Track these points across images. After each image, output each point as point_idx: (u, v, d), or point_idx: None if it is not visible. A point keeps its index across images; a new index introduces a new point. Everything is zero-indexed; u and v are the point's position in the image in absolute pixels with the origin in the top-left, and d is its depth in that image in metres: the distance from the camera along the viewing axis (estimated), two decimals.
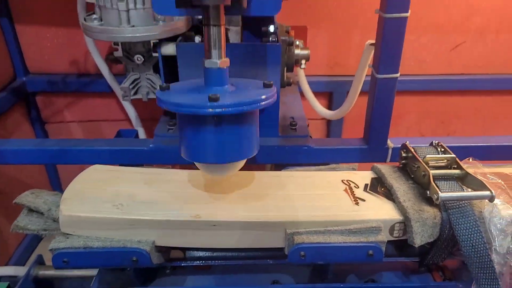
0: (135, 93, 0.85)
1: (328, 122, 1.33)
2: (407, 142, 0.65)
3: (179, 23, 0.75)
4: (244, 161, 0.54)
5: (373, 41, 0.76)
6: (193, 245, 0.57)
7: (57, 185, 1.39)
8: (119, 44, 0.77)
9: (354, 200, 0.59)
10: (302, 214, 0.56)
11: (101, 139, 0.86)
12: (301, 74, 1.05)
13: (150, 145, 0.81)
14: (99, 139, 0.85)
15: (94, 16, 0.73)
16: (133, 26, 0.71)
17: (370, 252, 0.54)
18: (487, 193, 0.53)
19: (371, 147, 0.82)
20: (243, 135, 0.50)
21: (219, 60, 0.47)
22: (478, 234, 0.53)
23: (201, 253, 0.60)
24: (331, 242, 0.54)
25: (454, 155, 0.60)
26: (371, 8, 1.12)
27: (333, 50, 1.20)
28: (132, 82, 0.84)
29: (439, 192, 0.53)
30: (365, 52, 0.79)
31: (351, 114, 0.95)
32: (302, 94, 1.04)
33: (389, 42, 0.70)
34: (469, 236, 0.53)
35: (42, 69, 1.24)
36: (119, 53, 0.78)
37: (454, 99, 1.29)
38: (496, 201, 0.55)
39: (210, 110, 0.44)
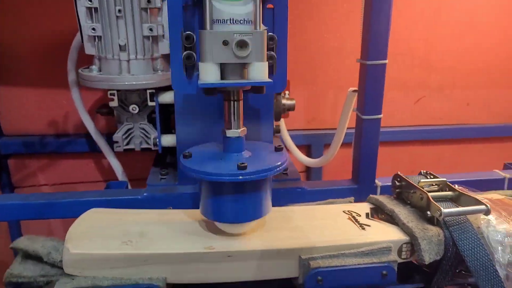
0: (128, 143, 0.86)
1: (307, 172, 1.37)
2: (399, 172, 0.70)
3: None
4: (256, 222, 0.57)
5: (355, 88, 0.84)
6: (207, 280, 0.56)
7: None
8: (115, 94, 0.80)
9: (360, 226, 0.62)
10: (314, 240, 0.57)
11: (92, 190, 0.84)
12: (282, 125, 1.11)
13: (144, 194, 0.81)
14: (89, 191, 0.83)
15: (94, 67, 0.77)
16: (133, 75, 0.75)
17: (384, 272, 0.55)
18: (483, 207, 0.58)
19: (361, 187, 0.86)
20: (263, 196, 0.55)
21: (239, 130, 0.53)
22: (481, 247, 0.56)
23: None
24: (346, 264, 0.55)
25: (445, 179, 0.65)
26: (343, 69, 1.26)
27: (310, 106, 1.29)
28: (125, 132, 0.85)
29: (442, 208, 0.57)
30: (348, 98, 0.86)
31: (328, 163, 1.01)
32: None
33: (371, 86, 0.78)
34: (472, 250, 0.56)
35: (18, 130, 1.22)
36: (115, 103, 0.81)
37: (420, 148, 1.40)
38: (490, 217, 0.60)
39: (241, 177, 0.50)
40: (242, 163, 0.51)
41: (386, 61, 0.76)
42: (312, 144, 1.31)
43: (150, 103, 0.81)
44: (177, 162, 0.85)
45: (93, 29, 0.73)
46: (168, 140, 0.83)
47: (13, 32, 1.12)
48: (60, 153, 1.25)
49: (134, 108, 0.82)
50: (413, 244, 0.58)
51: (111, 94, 0.80)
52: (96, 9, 0.72)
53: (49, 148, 1.23)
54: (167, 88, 0.81)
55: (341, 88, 1.29)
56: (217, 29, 0.46)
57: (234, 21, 0.45)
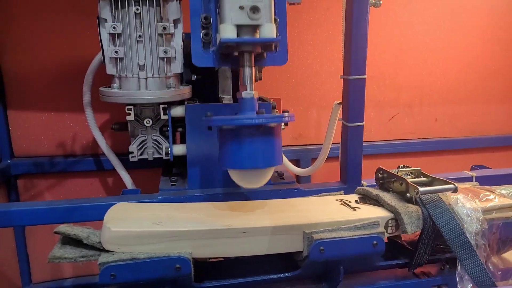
0: (141, 153, 0.94)
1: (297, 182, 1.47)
2: (380, 166, 0.81)
3: (186, 89, 0.91)
4: (271, 173, 0.65)
5: (339, 101, 0.96)
6: (226, 255, 0.64)
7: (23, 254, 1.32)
8: (132, 109, 0.89)
9: (352, 209, 0.72)
10: (316, 218, 0.67)
11: (109, 196, 0.91)
12: None
13: (159, 197, 0.88)
14: (107, 197, 0.90)
15: (115, 84, 0.86)
16: (150, 90, 0.85)
17: (375, 242, 0.65)
18: (451, 186, 0.69)
19: (349, 186, 0.96)
20: (277, 143, 0.63)
21: (253, 91, 0.62)
22: (453, 219, 0.67)
23: None
24: (343, 236, 0.64)
25: (419, 168, 0.76)
26: (324, 89, 1.39)
27: (296, 124, 1.41)
28: (140, 144, 0.93)
29: (418, 187, 0.68)
30: (333, 110, 0.98)
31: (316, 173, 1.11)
32: None
33: (354, 97, 0.90)
34: (446, 222, 0.67)
35: (28, 152, 1.28)
36: (131, 117, 0.89)
37: (395, 160, 1.52)
38: (460, 196, 0.71)
39: (263, 120, 0.58)
40: (261, 110, 0.59)
41: (365, 76, 0.89)
42: (300, 158, 1.41)
43: (163, 117, 0.90)
44: (186, 170, 0.93)
45: (116, 52, 0.83)
46: (179, 149, 0.92)
47: (24, 58, 1.20)
48: (67, 172, 1.31)
49: (148, 122, 0.91)
50: (397, 219, 0.68)
51: (128, 109, 0.89)
52: (119, 34, 0.83)
53: (57, 167, 1.29)
54: (179, 103, 0.91)
55: (323, 107, 1.42)
56: None
57: None
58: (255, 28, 0.55)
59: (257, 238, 0.64)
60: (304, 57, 1.37)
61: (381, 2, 0.81)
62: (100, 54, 0.98)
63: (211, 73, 0.97)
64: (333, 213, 0.69)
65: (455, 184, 0.69)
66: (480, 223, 0.67)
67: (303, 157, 1.42)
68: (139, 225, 0.61)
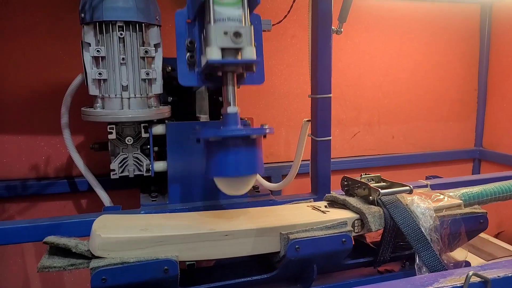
0: (122, 171, 0.98)
1: None
2: (345, 175, 0.89)
3: (166, 109, 0.96)
4: (254, 181, 0.71)
5: (308, 118, 1.05)
6: (210, 257, 0.68)
7: None
8: (114, 128, 0.93)
9: (322, 212, 0.79)
10: (291, 221, 0.73)
11: (91, 213, 0.93)
12: None
13: (141, 212, 0.91)
14: (89, 213, 0.92)
15: (98, 104, 0.90)
16: (132, 109, 0.90)
17: (344, 240, 0.72)
18: (407, 187, 0.78)
19: (319, 197, 1.04)
20: (259, 153, 0.69)
21: (237, 107, 0.68)
22: (410, 216, 0.75)
23: None
24: (316, 235, 0.70)
25: (379, 174, 0.85)
26: (291, 110, 1.48)
27: (267, 143, 1.49)
28: (121, 161, 0.97)
29: (380, 190, 0.76)
30: (303, 127, 1.06)
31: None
32: None
33: (322, 114, 0.99)
34: (404, 219, 0.75)
35: (0, 175, 1.27)
36: (113, 136, 0.93)
37: (357, 175, 1.62)
38: (415, 198, 0.80)
39: (250, 131, 0.65)
40: (245, 124, 0.64)
41: (331, 95, 0.98)
42: (271, 175, 1.49)
43: (143, 135, 0.95)
44: (165, 187, 0.96)
45: (100, 73, 0.88)
46: (160, 166, 0.96)
47: None
48: (40, 195, 1.30)
49: (129, 140, 0.95)
50: (362, 219, 0.76)
51: (110, 128, 0.93)
52: (103, 57, 0.88)
53: (29, 190, 1.28)
54: (159, 122, 0.96)
55: (291, 126, 1.51)
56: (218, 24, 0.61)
57: (230, 19, 0.62)
58: (237, 51, 0.62)
59: (239, 241, 0.69)
60: (272, 81, 1.47)
61: (342, 30, 0.91)
62: (79, 76, 1.03)
63: (186, 95, 1.03)
64: (306, 216, 0.76)
65: (411, 186, 0.78)
66: (433, 220, 0.76)
67: (274, 174, 1.49)
68: (128, 232, 0.65)
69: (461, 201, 0.84)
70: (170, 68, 1.00)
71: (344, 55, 1.54)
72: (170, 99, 1.05)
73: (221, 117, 0.69)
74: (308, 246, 0.70)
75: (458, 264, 0.79)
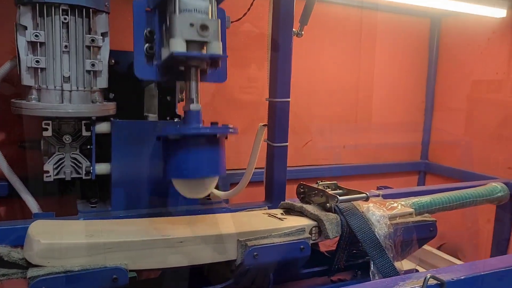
0: (58, 173, 0.94)
1: None
2: (301, 182, 0.94)
3: (111, 105, 0.94)
4: (215, 183, 0.72)
5: (265, 123, 1.08)
6: (163, 266, 0.68)
7: None
8: (50, 124, 0.89)
9: (279, 219, 0.82)
10: (249, 228, 0.75)
11: (20, 220, 0.88)
12: None
13: (80, 219, 0.88)
14: (17, 220, 0.87)
15: (32, 96, 0.86)
16: (74, 104, 0.87)
17: (302, 247, 0.75)
18: (364, 195, 0.84)
19: (274, 205, 1.07)
20: (222, 154, 0.70)
21: (199, 105, 0.69)
22: (366, 224, 0.81)
23: None
24: (274, 242, 0.73)
25: (335, 182, 0.91)
26: (241, 117, 1.51)
27: None
28: (56, 162, 0.93)
29: (338, 196, 0.81)
30: (258, 131, 1.09)
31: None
32: None
33: (279, 119, 1.03)
34: (360, 226, 0.81)
35: None
36: (48, 133, 0.89)
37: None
38: (370, 205, 0.86)
39: (216, 129, 0.66)
40: (214, 122, 0.66)
41: (289, 99, 1.02)
42: (219, 183, 1.50)
43: (84, 133, 0.92)
44: (110, 190, 0.94)
45: (37, 61, 0.84)
46: (102, 168, 0.93)
47: None
48: None
49: (67, 138, 0.92)
50: (319, 226, 0.80)
51: (45, 124, 0.89)
52: (42, 43, 0.84)
53: None
54: (100, 119, 0.93)
55: (240, 133, 1.54)
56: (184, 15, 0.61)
57: (196, 11, 0.62)
58: (203, 44, 0.63)
59: (194, 248, 0.70)
60: (221, 85, 1.49)
61: (303, 32, 0.96)
62: (7, 63, 0.97)
63: (131, 91, 1.01)
64: (263, 223, 0.79)
65: (367, 193, 0.84)
66: (387, 227, 0.82)
67: (221, 182, 1.50)
68: (71, 237, 0.63)
69: (413, 210, 0.92)
70: (113, 61, 0.98)
71: (296, 62, 1.60)
72: (111, 95, 1.02)
73: (183, 115, 0.70)
74: (266, 253, 0.72)
75: (409, 272, 0.87)
